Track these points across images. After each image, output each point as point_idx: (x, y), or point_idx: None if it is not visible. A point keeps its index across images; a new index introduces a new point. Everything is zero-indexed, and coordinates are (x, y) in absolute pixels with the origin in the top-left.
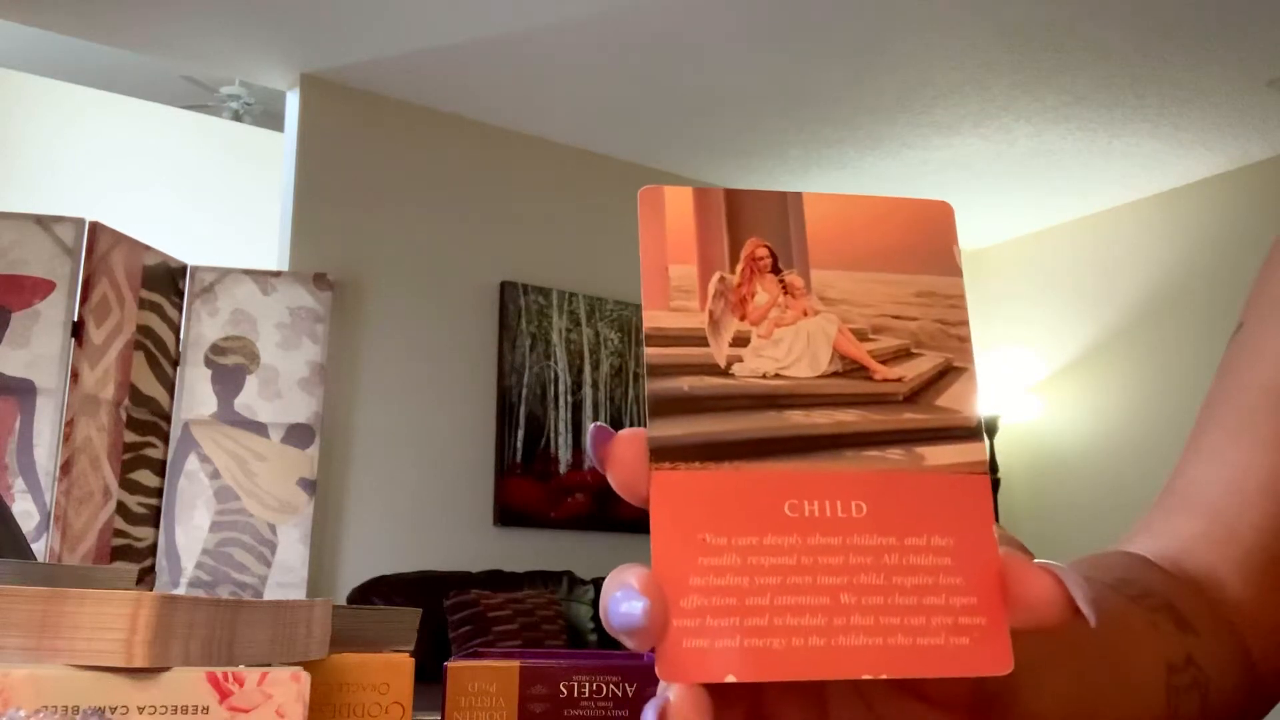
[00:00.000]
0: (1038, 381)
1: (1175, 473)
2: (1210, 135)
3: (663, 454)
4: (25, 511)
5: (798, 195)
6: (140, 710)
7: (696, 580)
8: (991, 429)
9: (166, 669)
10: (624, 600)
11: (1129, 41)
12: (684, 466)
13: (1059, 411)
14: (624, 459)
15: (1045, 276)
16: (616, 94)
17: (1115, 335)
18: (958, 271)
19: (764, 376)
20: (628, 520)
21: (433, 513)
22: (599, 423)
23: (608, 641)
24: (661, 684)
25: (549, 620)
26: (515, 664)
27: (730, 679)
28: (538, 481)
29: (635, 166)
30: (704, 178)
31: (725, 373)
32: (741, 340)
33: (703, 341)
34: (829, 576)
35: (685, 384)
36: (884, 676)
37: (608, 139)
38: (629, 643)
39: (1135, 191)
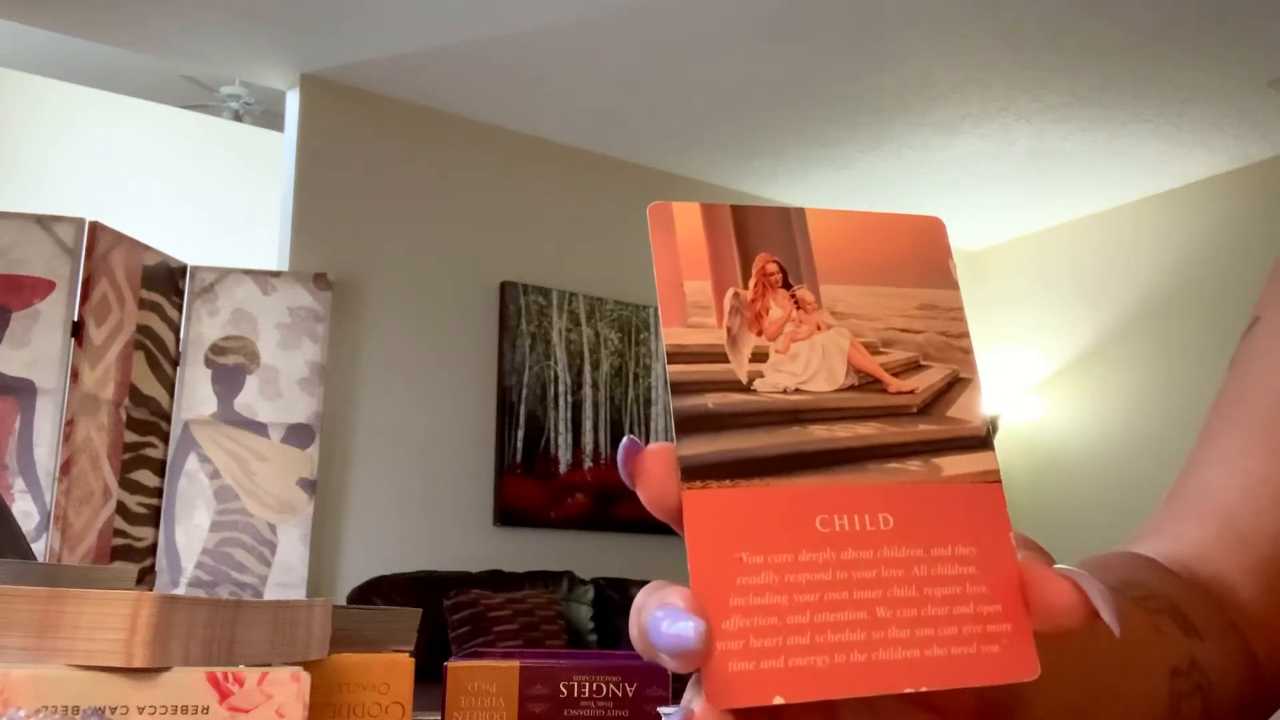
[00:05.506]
0: (1038, 381)
1: (1185, 473)
2: (1210, 135)
3: (693, 473)
4: (25, 511)
5: (800, 211)
6: (140, 710)
7: (737, 600)
8: (992, 429)
9: (166, 669)
10: (667, 619)
11: (1129, 41)
12: (715, 484)
13: (1059, 411)
14: (653, 474)
15: (1046, 277)
16: (616, 94)
17: (1115, 335)
18: (955, 285)
19: (785, 391)
20: (628, 520)
21: (433, 513)
22: (630, 436)
23: (608, 641)
24: (689, 696)
25: (549, 620)
26: (515, 664)
27: (778, 700)
28: (538, 481)
29: (635, 166)
30: (704, 178)
31: (748, 389)
32: (760, 356)
33: (723, 358)
34: (864, 591)
35: (710, 401)
36: (924, 689)
37: (608, 139)
38: (673, 664)
39: (1135, 191)
